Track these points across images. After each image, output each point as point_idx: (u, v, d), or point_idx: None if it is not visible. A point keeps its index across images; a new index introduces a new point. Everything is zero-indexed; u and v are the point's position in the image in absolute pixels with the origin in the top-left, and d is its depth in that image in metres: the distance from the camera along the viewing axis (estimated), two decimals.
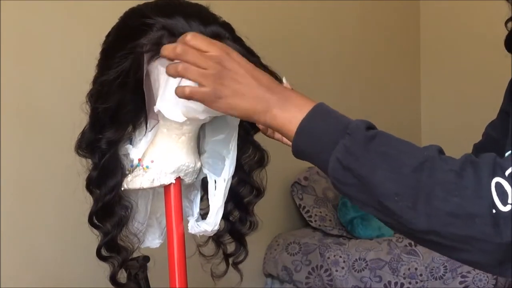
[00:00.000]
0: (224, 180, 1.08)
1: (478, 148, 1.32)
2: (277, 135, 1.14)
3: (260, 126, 1.12)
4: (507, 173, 0.78)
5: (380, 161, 0.82)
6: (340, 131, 0.86)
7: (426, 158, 0.81)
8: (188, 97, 0.95)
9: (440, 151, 0.83)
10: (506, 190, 0.77)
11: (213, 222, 1.09)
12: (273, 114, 0.91)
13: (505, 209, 0.76)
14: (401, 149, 0.83)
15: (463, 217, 0.78)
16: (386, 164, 0.82)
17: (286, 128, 0.90)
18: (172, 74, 0.95)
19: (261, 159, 1.13)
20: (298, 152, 0.90)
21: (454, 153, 0.83)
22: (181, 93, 0.95)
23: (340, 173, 0.85)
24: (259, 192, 1.15)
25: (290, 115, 0.90)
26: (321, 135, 0.87)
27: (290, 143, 1.12)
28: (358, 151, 0.83)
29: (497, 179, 0.78)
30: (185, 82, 0.97)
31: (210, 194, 1.11)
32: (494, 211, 0.77)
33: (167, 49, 0.95)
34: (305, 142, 0.88)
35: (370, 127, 0.87)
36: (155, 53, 1.02)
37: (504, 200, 0.77)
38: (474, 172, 0.79)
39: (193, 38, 0.93)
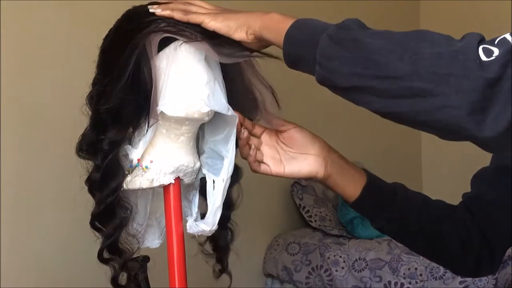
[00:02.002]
0: (223, 180, 1.08)
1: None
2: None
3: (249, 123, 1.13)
4: (496, 41, 0.81)
5: (373, 34, 0.89)
6: (334, 24, 0.92)
7: (418, 31, 0.87)
8: (187, 19, 1.03)
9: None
10: (492, 50, 0.80)
11: (211, 222, 1.09)
12: (264, 23, 1.00)
13: (490, 58, 0.80)
14: (395, 31, 0.89)
15: (447, 55, 0.81)
16: (380, 34, 0.88)
17: (280, 27, 0.97)
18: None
19: (236, 174, 1.13)
20: (291, 43, 0.95)
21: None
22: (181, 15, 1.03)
23: (328, 48, 0.89)
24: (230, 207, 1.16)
25: (282, 17, 0.99)
26: (315, 26, 0.94)
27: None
28: (352, 26, 0.90)
29: (484, 45, 0.81)
30: (184, 79, 0.98)
31: (208, 194, 1.11)
32: (478, 58, 0.80)
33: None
34: (299, 33, 0.95)
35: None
36: (159, 45, 1.03)
37: (489, 54, 0.80)
38: (462, 38, 0.84)
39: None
